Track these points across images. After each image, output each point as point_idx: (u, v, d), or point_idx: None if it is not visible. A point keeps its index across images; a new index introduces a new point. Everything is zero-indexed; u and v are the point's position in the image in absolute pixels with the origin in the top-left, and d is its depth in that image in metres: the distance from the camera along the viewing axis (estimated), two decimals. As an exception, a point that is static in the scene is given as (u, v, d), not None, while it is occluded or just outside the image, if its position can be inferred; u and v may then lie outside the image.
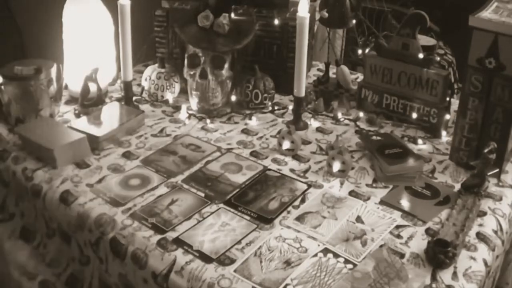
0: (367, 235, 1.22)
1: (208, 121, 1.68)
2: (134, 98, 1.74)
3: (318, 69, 2.09)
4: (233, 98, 1.74)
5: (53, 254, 1.40)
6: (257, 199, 1.33)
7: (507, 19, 1.35)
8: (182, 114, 1.70)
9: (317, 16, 1.84)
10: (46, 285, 1.38)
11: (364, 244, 1.20)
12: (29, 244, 1.45)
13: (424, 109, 1.64)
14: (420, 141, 1.60)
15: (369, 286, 1.08)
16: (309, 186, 1.39)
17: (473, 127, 1.43)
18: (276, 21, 1.77)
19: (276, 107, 1.78)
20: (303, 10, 1.52)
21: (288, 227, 1.25)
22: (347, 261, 1.15)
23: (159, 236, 1.21)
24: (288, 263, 1.14)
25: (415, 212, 1.30)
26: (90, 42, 1.74)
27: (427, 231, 1.24)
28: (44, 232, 1.42)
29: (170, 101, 1.78)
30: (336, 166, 1.42)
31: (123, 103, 1.71)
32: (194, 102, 1.71)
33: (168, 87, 1.79)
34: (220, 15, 1.68)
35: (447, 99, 1.62)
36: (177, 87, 1.81)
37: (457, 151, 1.49)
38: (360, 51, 1.95)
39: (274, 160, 1.50)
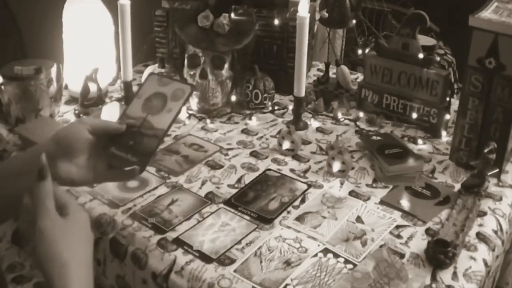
0: (367, 235, 1.22)
1: (208, 121, 1.68)
2: (134, 98, 1.74)
3: (318, 69, 2.09)
4: (233, 98, 1.74)
5: None
6: (257, 199, 1.33)
7: (507, 19, 1.35)
8: (182, 114, 1.69)
9: (317, 16, 1.84)
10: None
11: (364, 244, 1.20)
12: (22, 249, 1.44)
13: (424, 109, 1.64)
14: (420, 141, 1.60)
15: (369, 286, 1.08)
16: (309, 186, 1.39)
17: (473, 127, 1.43)
18: (276, 21, 1.77)
19: (276, 107, 1.78)
20: (303, 10, 1.52)
21: (288, 227, 1.25)
22: (347, 261, 1.15)
23: (159, 236, 1.20)
24: (288, 263, 1.14)
25: (415, 212, 1.30)
26: (90, 42, 1.73)
27: (427, 231, 1.24)
28: None
29: (170, 101, 1.77)
30: (336, 166, 1.42)
31: (123, 103, 1.71)
32: (194, 102, 1.71)
33: (168, 87, 1.78)
34: (220, 15, 1.68)
35: (447, 99, 1.62)
36: (177, 87, 1.81)
37: (457, 151, 1.49)
38: (360, 51, 1.95)
39: (274, 160, 1.50)
